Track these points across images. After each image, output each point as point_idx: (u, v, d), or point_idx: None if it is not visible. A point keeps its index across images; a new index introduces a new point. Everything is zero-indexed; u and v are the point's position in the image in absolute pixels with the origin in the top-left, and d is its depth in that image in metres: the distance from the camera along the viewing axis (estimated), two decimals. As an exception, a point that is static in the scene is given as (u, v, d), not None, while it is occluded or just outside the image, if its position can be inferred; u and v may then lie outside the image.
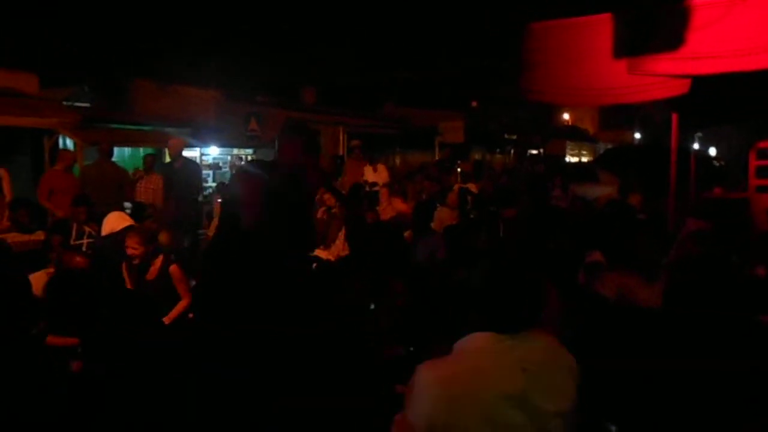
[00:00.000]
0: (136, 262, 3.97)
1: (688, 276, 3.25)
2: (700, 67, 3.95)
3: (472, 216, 7.79)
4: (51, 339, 3.32)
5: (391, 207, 7.49)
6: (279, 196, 2.61)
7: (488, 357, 1.35)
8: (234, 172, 6.78)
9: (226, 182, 7.52)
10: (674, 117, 5.30)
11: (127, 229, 4.41)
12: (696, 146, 14.86)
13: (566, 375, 1.41)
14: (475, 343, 1.39)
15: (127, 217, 4.95)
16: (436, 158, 15.84)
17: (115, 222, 4.69)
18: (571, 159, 26.33)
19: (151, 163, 8.01)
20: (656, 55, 4.16)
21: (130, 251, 3.94)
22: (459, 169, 13.72)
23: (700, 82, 4.25)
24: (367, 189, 9.05)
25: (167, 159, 7.94)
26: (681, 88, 4.40)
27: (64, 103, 8.99)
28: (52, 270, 3.88)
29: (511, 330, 1.39)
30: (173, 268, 4.09)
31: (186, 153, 7.95)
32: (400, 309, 2.98)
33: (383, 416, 1.62)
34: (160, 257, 4.12)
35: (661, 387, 2.27)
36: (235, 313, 2.66)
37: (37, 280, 3.62)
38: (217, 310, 2.78)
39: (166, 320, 3.82)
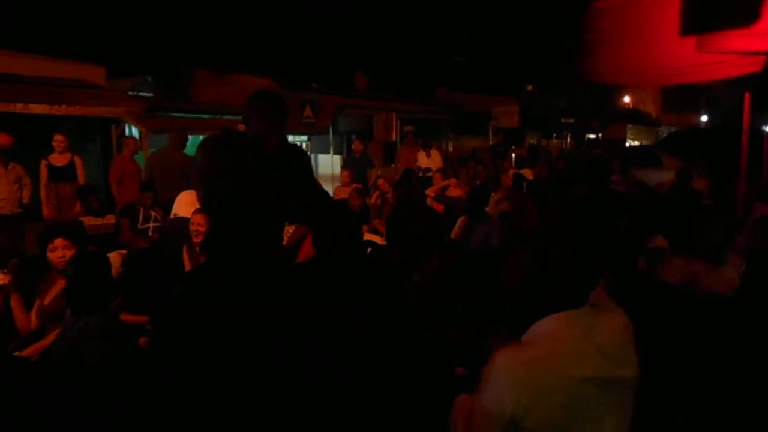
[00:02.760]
0: (198, 239, 3.87)
1: (756, 263, 3.12)
2: (777, 43, 3.75)
3: (527, 201, 7.67)
4: (123, 316, 3.52)
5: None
6: (239, 160, 2.67)
7: (566, 341, 1.34)
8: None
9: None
10: (747, 96, 5.03)
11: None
12: (769, 128, 14.02)
13: (631, 342, 1.40)
14: (550, 326, 1.37)
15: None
16: (490, 143, 15.61)
17: (186, 206, 4.84)
18: (631, 143, 25.44)
19: None
20: (728, 31, 3.97)
21: (194, 227, 3.88)
22: (513, 155, 13.50)
23: (775, 59, 4.04)
24: (421, 174, 9.05)
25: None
26: (755, 65, 4.20)
27: (129, 93, 9.39)
28: (124, 252, 4.07)
29: (581, 303, 1.37)
30: None
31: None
32: (439, 276, 2.99)
33: (442, 398, 1.61)
34: None
35: (733, 377, 2.19)
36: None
37: (112, 260, 3.82)
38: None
39: None
